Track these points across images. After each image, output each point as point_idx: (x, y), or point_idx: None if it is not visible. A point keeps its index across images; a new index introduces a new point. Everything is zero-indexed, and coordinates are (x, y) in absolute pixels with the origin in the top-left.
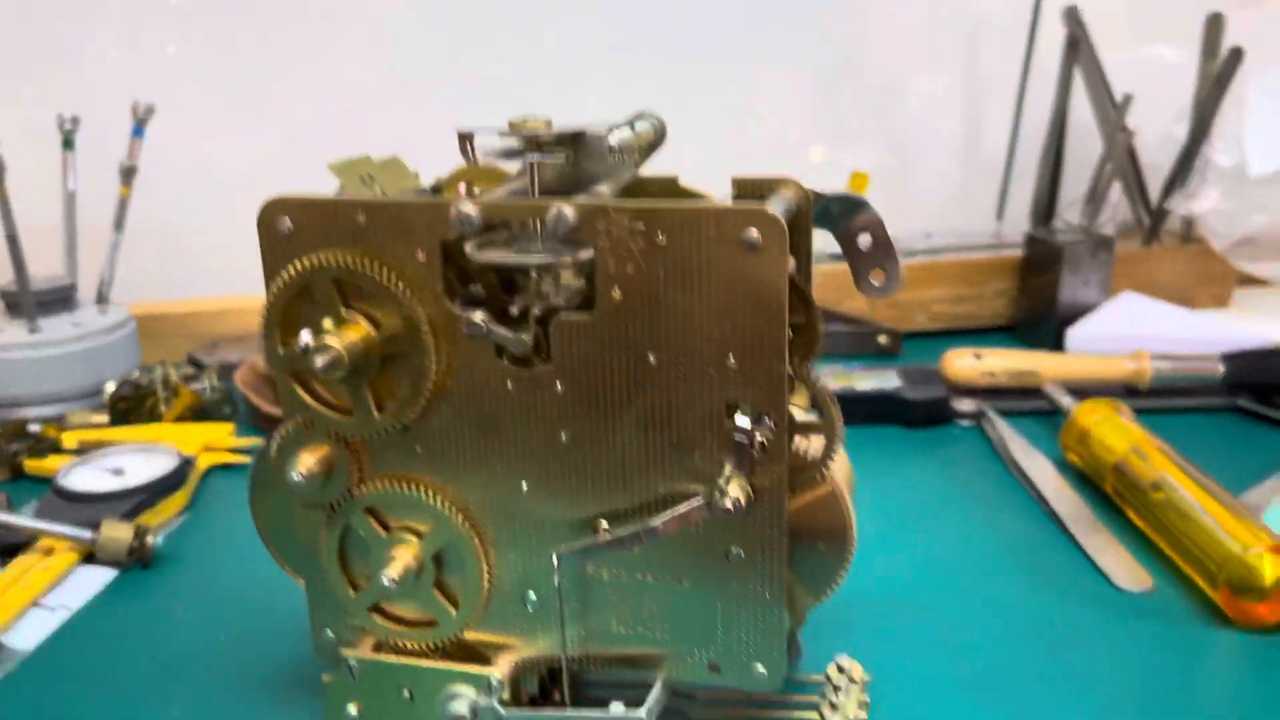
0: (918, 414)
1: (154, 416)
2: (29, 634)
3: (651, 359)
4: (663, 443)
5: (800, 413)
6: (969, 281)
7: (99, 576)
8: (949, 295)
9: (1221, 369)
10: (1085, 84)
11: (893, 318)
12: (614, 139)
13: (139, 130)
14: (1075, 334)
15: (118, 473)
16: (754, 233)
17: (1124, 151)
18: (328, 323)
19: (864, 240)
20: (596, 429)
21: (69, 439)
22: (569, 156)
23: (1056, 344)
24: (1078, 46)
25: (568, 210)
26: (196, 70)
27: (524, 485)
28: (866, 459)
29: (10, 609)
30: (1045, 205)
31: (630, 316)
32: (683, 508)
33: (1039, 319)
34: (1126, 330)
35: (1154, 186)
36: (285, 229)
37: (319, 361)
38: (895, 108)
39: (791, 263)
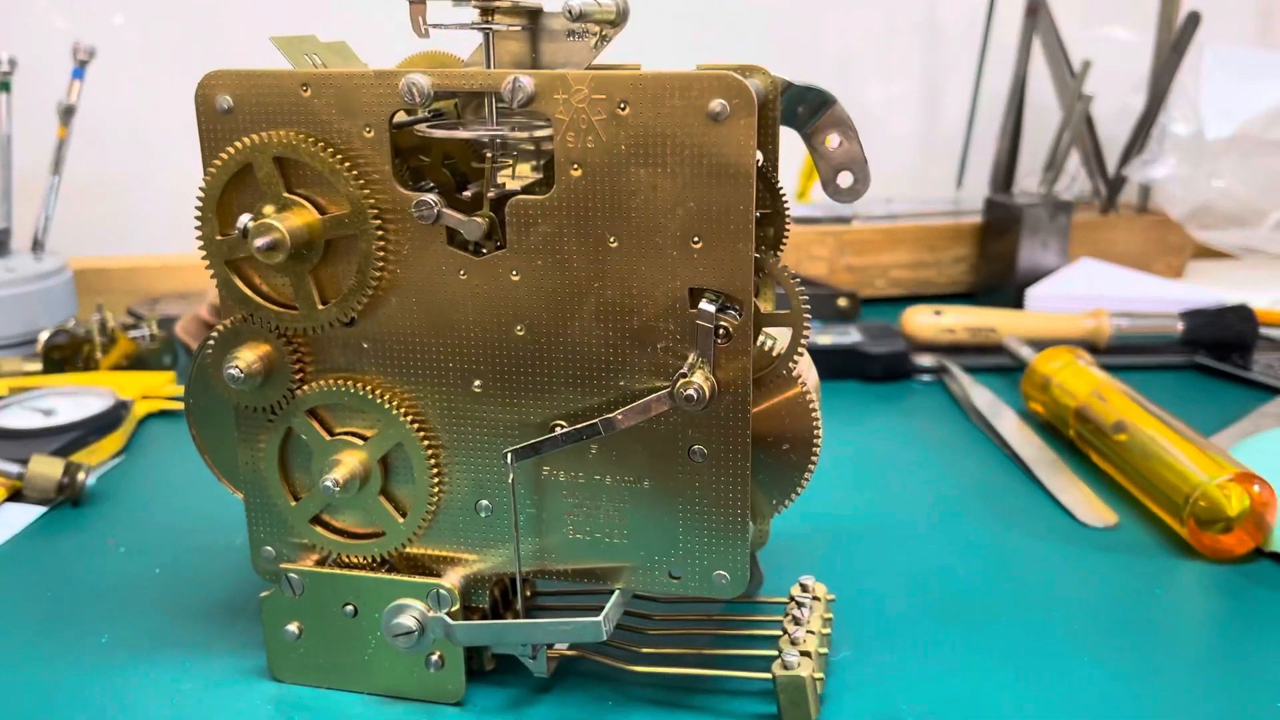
0: (878, 368)
1: (90, 367)
2: None
3: (612, 242)
4: (623, 334)
5: (765, 306)
6: (929, 247)
7: (26, 513)
8: (909, 260)
9: (1180, 327)
10: (1044, 52)
11: (852, 281)
12: (574, 3)
13: (79, 72)
14: (1034, 294)
15: (48, 413)
16: (721, 102)
17: (1082, 118)
18: (269, 209)
19: (832, 140)
20: (554, 321)
21: None
22: (528, 36)
23: (1016, 309)
24: (1036, 13)
25: (525, 79)
26: (140, 23)
27: (477, 384)
28: (827, 412)
29: None
30: (1004, 173)
31: (590, 196)
32: (644, 400)
33: (999, 284)
34: (1085, 291)
35: (1111, 159)
36: (224, 105)
37: (259, 243)
38: (854, 74)
39: (759, 155)
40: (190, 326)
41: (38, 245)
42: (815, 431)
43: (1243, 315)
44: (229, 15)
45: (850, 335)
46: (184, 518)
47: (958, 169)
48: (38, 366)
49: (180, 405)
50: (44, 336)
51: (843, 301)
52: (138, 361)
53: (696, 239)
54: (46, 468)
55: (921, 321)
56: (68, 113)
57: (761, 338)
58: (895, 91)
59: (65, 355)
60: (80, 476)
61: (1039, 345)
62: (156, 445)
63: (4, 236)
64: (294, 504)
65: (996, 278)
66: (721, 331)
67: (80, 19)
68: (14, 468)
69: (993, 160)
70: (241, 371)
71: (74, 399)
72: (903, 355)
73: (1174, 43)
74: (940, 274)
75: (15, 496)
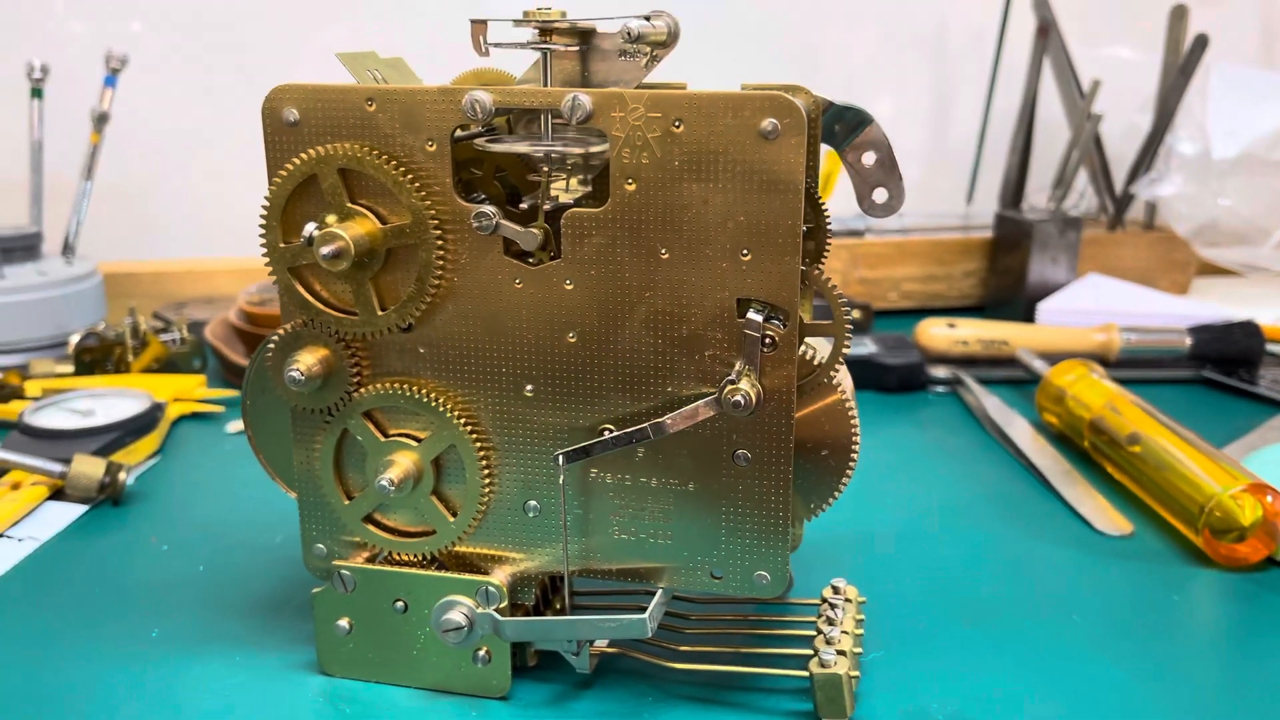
0: (894, 379)
1: (120, 369)
2: None
3: (664, 253)
4: (672, 342)
5: (807, 318)
6: (940, 260)
7: (68, 511)
8: (920, 274)
9: (1188, 341)
10: (1053, 71)
11: (864, 294)
12: (632, 25)
13: (111, 80)
14: (1045, 308)
15: (87, 414)
16: (773, 121)
17: (1091, 137)
18: (332, 218)
19: (868, 157)
20: (605, 329)
21: (32, 387)
22: (581, 53)
23: (1026, 322)
24: (1048, 33)
25: (584, 97)
26: (157, 29)
27: (529, 389)
28: None
29: None
30: (1014, 189)
31: (643, 209)
32: (692, 405)
33: (1008, 298)
34: (1094, 306)
35: (1118, 177)
36: (291, 119)
37: (324, 251)
38: (867, 91)
39: None
40: (219, 330)
41: (68, 249)
42: (854, 438)
43: (1249, 331)
44: (245, 21)
45: (866, 346)
46: (222, 517)
47: (969, 185)
48: (69, 369)
49: (212, 408)
50: (75, 339)
51: (856, 314)
52: (168, 364)
53: (745, 251)
54: (89, 467)
55: (935, 334)
56: (101, 119)
57: (801, 347)
58: (905, 106)
59: (95, 358)
60: (121, 476)
61: (1051, 358)
62: (189, 447)
63: (35, 240)
64: (347, 503)
65: (1006, 291)
66: (767, 340)
67: (99, 24)
68: (56, 467)
69: (1003, 176)
70: (302, 374)
71: (110, 400)
72: (918, 366)
73: (1182, 64)
74: (951, 287)
75: (57, 495)
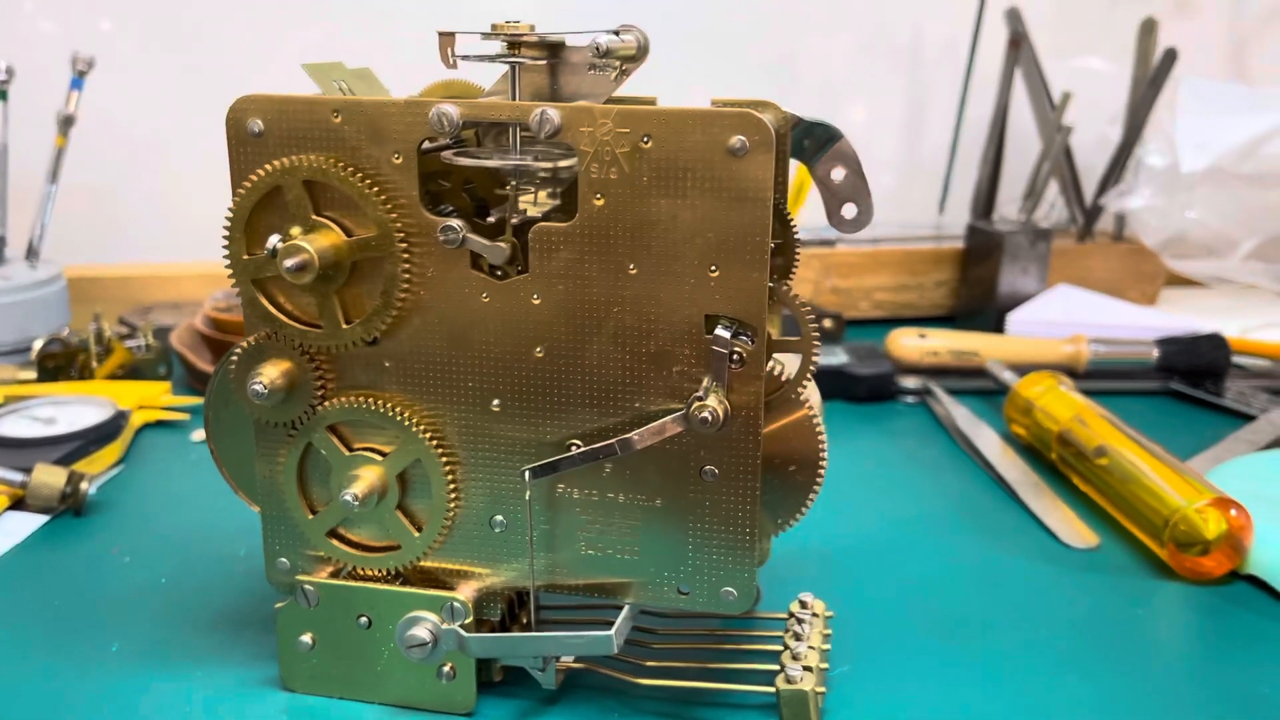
0: (864, 389)
1: (84, 375)
2: None
3: (632, 269)
4: (640, 357)
5: (775, 333)
6: (911, 270)
7: (28, 522)
8: (892, 283)
9: (1156, 353)
10: (1025, 83)
11: (836, 303)
12: (601, 40)
13: (78, 82)
14: (1015, 319)
15: (49, 421)
16: (741, 138)
17: (1061, 149)
18: (296, 230)
19: (837, 174)
20: (573, 343)
21: None
22: (550, 66)
23: (997, 333)
24: (1019, 45)
25: (552, 111)
26: (133, 33)
27: (495, 403)
28: None
29: None
30: (985, 200)
31: (612, 224)
32: (660, 421)
33: (979, 308)
34: (1064, 317)
35: (1088, 188)
36: (255, 129)
37: (288, 263)
38: (840, 101)
39: None
40: (185, 337)
41: (33, 253)
42: (821, 454)
43: (1216, 343)
44: (215, 23)
45: (837, 356)
46: (186, 528)
47: (940, 195)
48: (32, 375)
49: (177, 415)
50: (38, 345)
51: (828, 323)
52: (133, 371)
53: (714, 267)
54: (50, 477)
55: (906, 344)
56: (67, 122)
57: (770, 363)
58: (878, 116)
59: (59, 364)
60: (83, 486)
61: (1020, 369)
62: (154, 455)
63: None
64: (311, 517)
65: (977, 302)
66: (735, 357)
67: (68, 24)
68: (17, 476)
69: (974, 187)
70: (265, 387)
71: (73, 408)
72: (888, 377)
73: (1151, 77)
74: (922, 297)
75: (17, 505)
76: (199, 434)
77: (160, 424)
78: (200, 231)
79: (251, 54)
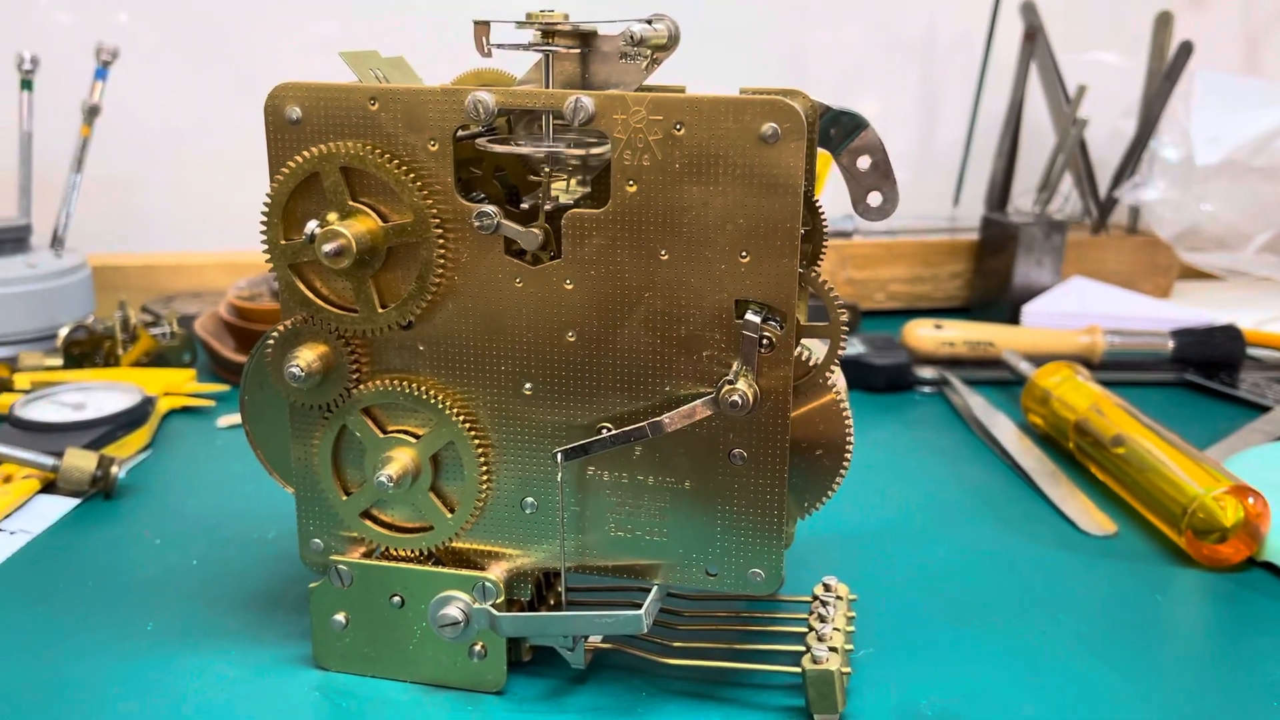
0: (881, 379)
1: (109, 362)
2: None
3: (663, 254)
4: (671, 342)
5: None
6: (927, 262)
7: (60, 505)
8: (907, 275)
9: (1170, 344)
10: (1040, 76)
11: (851, 294)
12: (635, 29)
13: (102, 72)
14: (1030, 310)
15: (78, 407)
16: (773, 125)
17: (1076, 142)
18: (333, 216)
19: (863, 162)
20: (604, 328)
21: (21, 379)
22: (582, 56)
23: (1011, 324)
24: (1034, 38)
25: (587, 99)
26: (150, 24)
27: (527, 387)
28: None
29: None
30: (1000, 192)
31: (644, 210)
32: (690, 405)
33: (994, 300)
34: (1078, 309)
35: (1103, 181)
36: (293, 116)
37: (326, 248)
38: (855, 93)
39: None
40: (209, 324)
41: (57, 242)
42: (848, 438)
43: (1231, 335)
44: (232, 13)
45: (854, 347)
46: (214, 511)
47: (955, 187)
48: (58, 362)
49: (202, 402)
50: (64, 332)
51: (843, 314)
52: (158, 358)
53: (744, 253)
54: (81, 460)
55: (922, 335)
56: (92, 112)
57: (797, 348)
58: (892, 108)
59: (84, 351)
60: (113, 470)
61: (1036, 360)
62: (179, 441)
63: (25, 232)
64: (345, 498)
65: (992, 293)
66: (765, 341)
67: (84, 14)
68: (48, 460)
69: (989, 180)
70: (302, 370)
71: (101, 394)
72: (905, 367)
73: (1166, 71)
74: (937, 289)
75: (49, 488)
76: (225, 420)
77: (185, 410)
78: (221, 221)
79: (267, 45)
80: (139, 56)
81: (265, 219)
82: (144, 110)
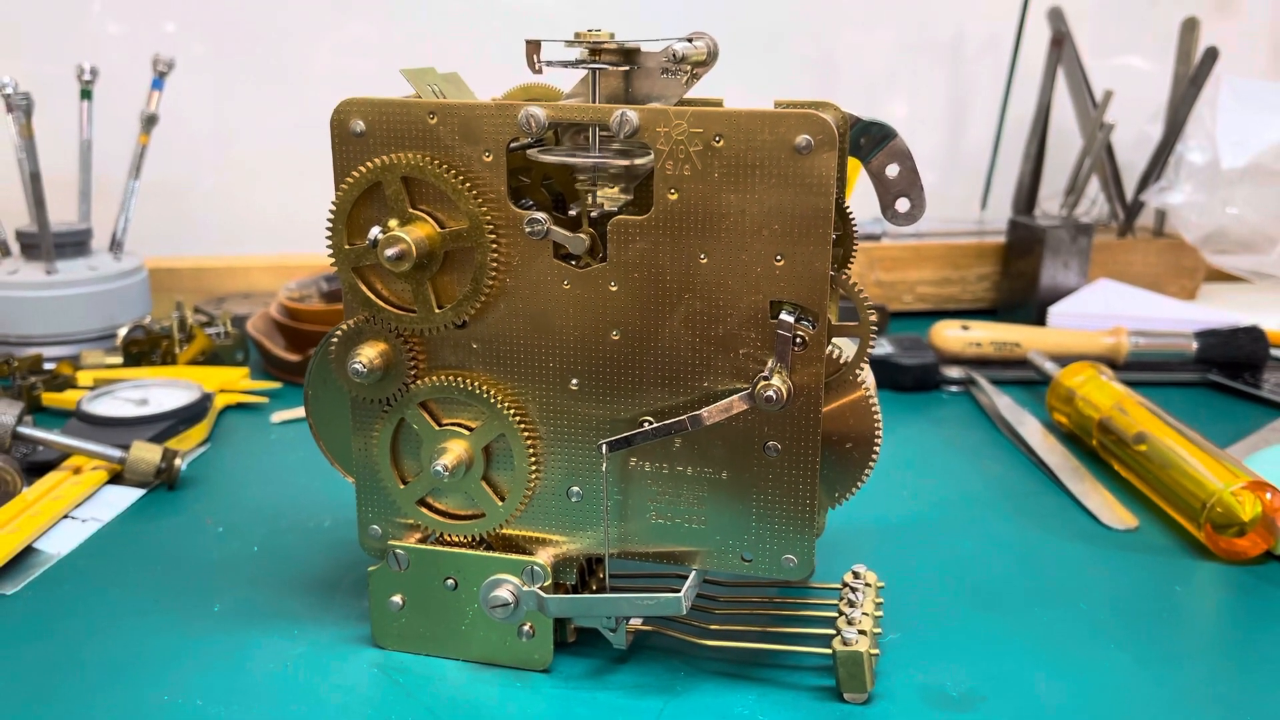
0: (909, 379)
1: (166, 361)
2: (60, 541)
3: (703, 258)
4: (709, 340)
5: (833, 319)
6: (954, 264)
7: (127, 495)
8: (934, 277)
9: (1195, 345)
10: (1067, 80)
11: (879, 296)
12: (677, 48)
13: (159, 82)
14: (1056, 311)
15: (140, 403)
16: (807, 137)
17: (1103, 146)
18: (394, 222)
19: (892, 169)
20: (646, 327)
21: (83, 377)
22: (625, 72)
23: (1038, 325)
24: (1062, 43)
25: (632, 113)
26: (190, 30)
27: (574, 382)
28: None
29: (42, 518)
30: (1027, 195)
31: (685, 217)
32: (727, 399)
33: (1021, 301)
34: (1104, 311)
35: (1129, 184)
36: (357, 129)
37: (388, 252)
38: (883, 97)
39: None
40: (260, 324)
41: (116, 245)
42: (877, 432)
43: (1254, 336)
44: (276, 23)
45: (882, 347)
46: (272, 501)
47: (983, 191)
48: (118, 360)
49: (256, 399)
50: (123, 332)
51: (872, 315)
52: (212, 357)
53: (779, 257)
54: (147, 453)
55: (949, 335)
56: (150, 121)
57: (829, 347)
58: (920, 112)
59: (143, 349)
60: (176, 462)
61: (1061, 360)
62: (236, 435)
63: (85, 236)
64: (402, 487)
65: (1019, 295)
66: (798, 340)
67: (134, 25)
68: (115, 452)
69: (1016, 183)
70: (364, 367)
71: (161, 390)
72: (932, 367)
73: (1192, 75)
74: (965, 290)
75: (115, 479)
76: (279, 415)
77: (240, 406)
78: (267, 225)
79: (311, 52)
80: (185, 65)
81: (330, 225)
82: (192, 118)
